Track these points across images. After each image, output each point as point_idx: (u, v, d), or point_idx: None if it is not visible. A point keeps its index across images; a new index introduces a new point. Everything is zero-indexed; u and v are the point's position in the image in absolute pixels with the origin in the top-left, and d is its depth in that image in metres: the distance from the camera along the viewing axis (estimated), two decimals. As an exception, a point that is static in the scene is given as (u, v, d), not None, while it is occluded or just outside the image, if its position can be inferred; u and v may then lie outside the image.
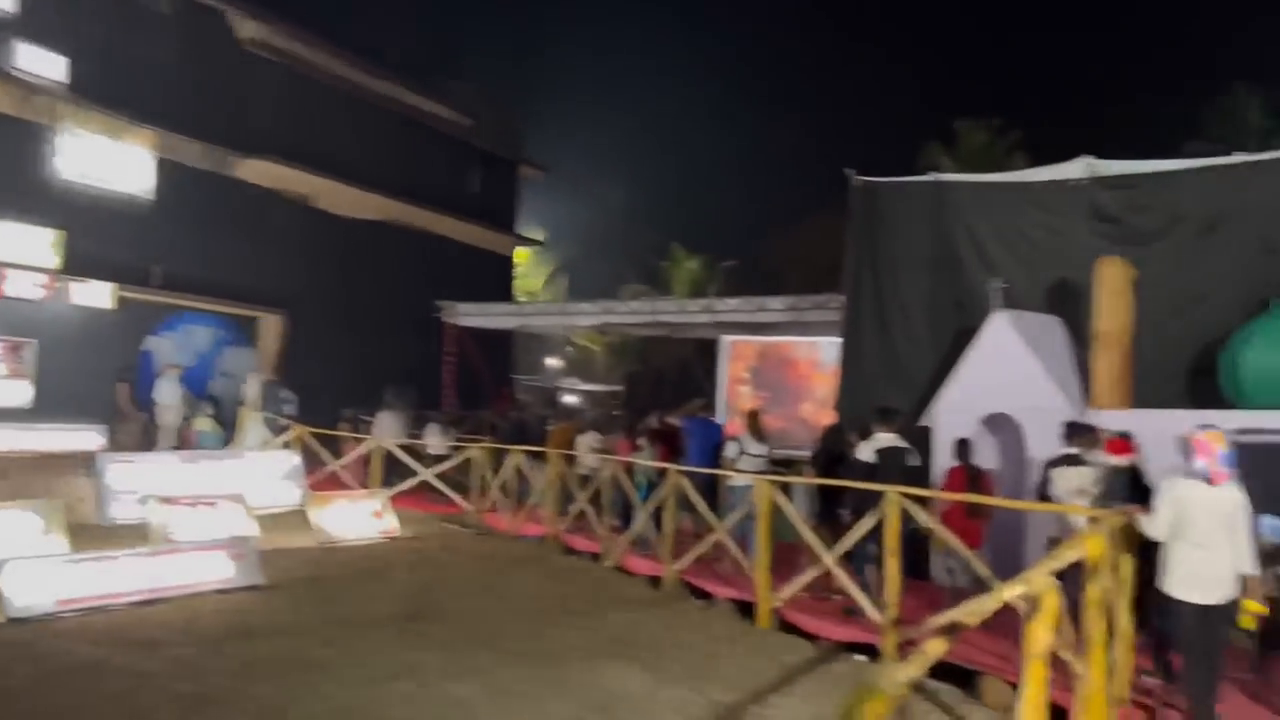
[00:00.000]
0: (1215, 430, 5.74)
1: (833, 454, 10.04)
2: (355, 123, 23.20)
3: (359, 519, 12.07)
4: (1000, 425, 10.50)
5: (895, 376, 12.44)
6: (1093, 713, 4.78)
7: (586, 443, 12.98)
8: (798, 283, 23.27)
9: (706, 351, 24.04)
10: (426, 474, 14.50)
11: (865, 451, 8.88)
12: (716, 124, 61.42)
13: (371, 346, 22.23)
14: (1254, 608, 5.27)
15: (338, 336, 21.69)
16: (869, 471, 8.56)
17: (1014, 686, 6.45)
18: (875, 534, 7.99)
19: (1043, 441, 9.84)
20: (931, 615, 6.87)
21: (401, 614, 8.37)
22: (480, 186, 28.13)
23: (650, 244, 39.31)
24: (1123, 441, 7.44)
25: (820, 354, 19.30)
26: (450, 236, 25.94)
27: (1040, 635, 3.18)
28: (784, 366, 21.12)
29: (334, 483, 14.59)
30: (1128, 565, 5.90)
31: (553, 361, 42.34)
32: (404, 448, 15.01)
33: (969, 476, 8.92)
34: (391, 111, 24.37)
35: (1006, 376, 10.15)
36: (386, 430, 15.72)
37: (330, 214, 22.70)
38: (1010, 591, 3.35)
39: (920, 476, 8.92)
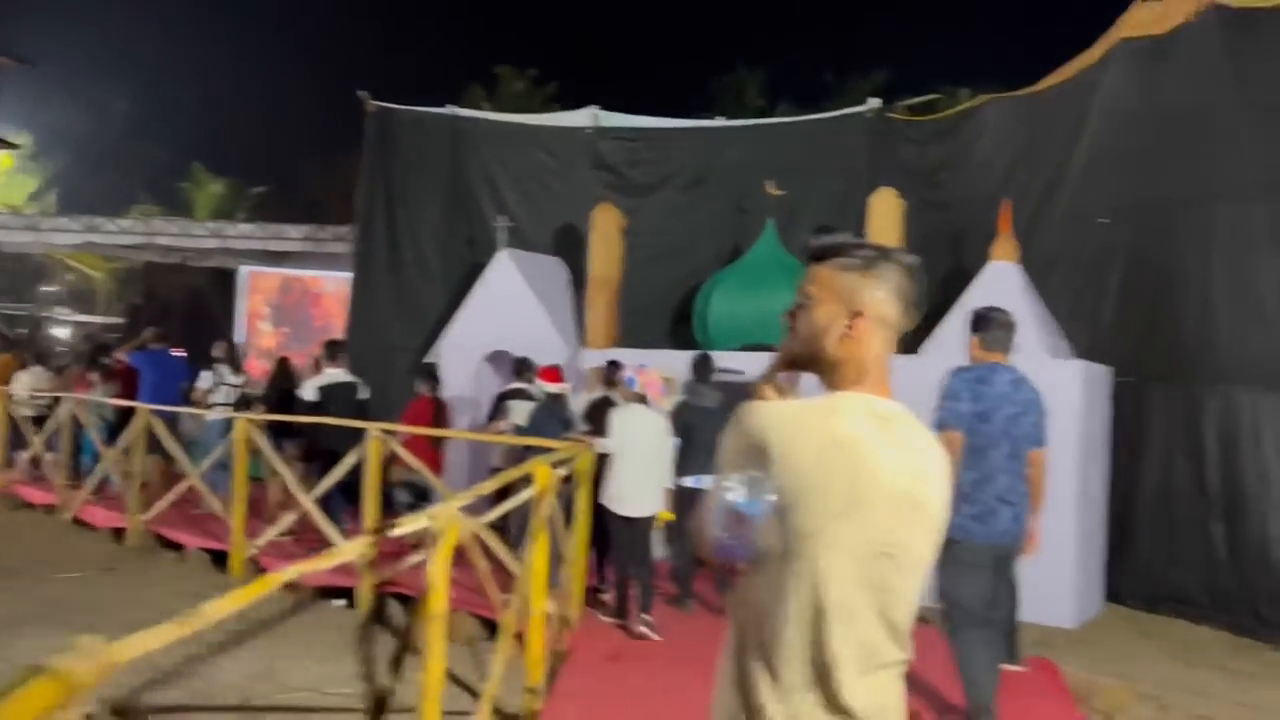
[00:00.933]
0: (652, 369, 6.61)
1: (284, 390, 9.60)
2: None
3: None
4: (505, 363, 10.66)
5: (407, 312, 12.19)
6: (533, 637, 4.85)
7: (27, 380, 11.16)
8: (339, 215, 22.16)
9: (225, 283, 22.14)
10: None
11: (309, 390, 8.61)
12: (253, 39, 56.64)
13: None
14: (666, 516, 6.17)
15: None
16: (314, 408, 8.34)
17: (481, 620, 6.54)
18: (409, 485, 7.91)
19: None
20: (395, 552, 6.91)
21: None
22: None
23: (164, 162, 35.33)
24: (554, 371, 7.80)
25: (346, 289, 18.55)
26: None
27: (438, 567, 3.02)
28: (307, 302, 20.05)
29: None
30: (585, 494, 6.15)
31: (50, 288, 36.82)
32: None
33: (435, 408, 9.00)
34: None
35: (509, 315, 10.30)
36: None
37: None
38: (415, 523, 3.17)
39: (368, 410, 8.77)
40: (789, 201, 11.56)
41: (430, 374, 9.25)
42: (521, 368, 8.37)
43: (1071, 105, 9.60)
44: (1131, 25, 9.10)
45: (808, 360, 1.86)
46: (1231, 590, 7.70)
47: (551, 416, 7.32)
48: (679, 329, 11.59)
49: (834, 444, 1.69)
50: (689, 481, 6.63)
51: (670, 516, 6.51)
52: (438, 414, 8.96)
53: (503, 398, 8.16)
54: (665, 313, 12.01)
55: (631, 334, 11.55)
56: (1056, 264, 9.43)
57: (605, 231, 10.05)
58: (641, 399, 6.65)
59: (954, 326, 8.41)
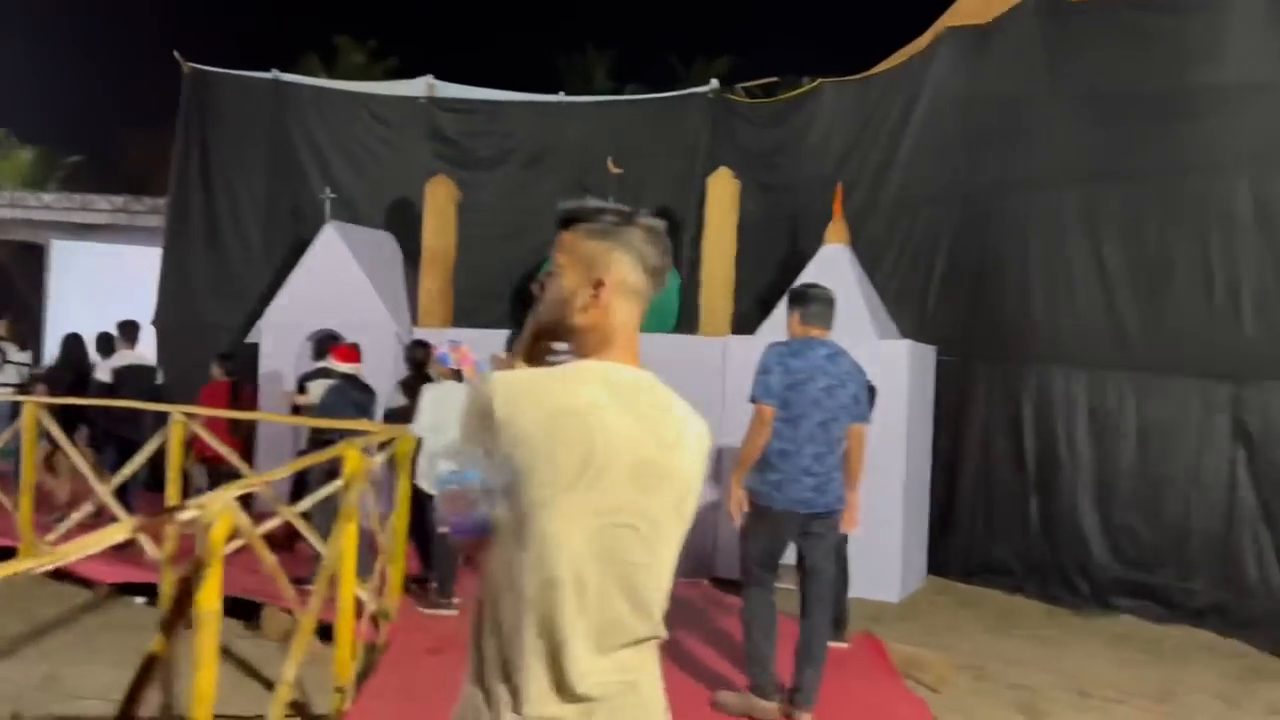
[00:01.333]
0: (463, 346, 6.56)
1: (79, 371, 8.93)
2: None
3: None
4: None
5: (226, 290, 11.46)
6: (341, 632, 4.53)
7: None
8: (162, 187, 20.76)
9: (34, 257, 20.44)
10: None
11: (103, 371, 8.11)
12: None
13: None
14: None
15: None
16: (107, 392, 7.85)
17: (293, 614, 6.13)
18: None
19: (371, 359, 9.70)
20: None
21: None
22: None
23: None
24: (348, 349, 7.50)
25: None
26: None
27: (209, 560, 2.70)
28: (123, 277, 18.71)
29: None
30: (405, 480, 5.85)
31: None
32: None
33: (232, 392, 8.58)
34: None
35: (335, 292, 9.79)
36: None
37: None
38: (186, 513, 2.83)
39: (164, 396, 8.23)
40: (630, 181, 11.44)
41: (224, 356, 8.76)
42: (323, 347, 7.92)
43: (902, 91, 9.81)
44: (958, 14, 9.36)
45: (555, 329, 1.81)
46: (1044, 561, 8.04)
47: (343, 398, 6.98)
48: (519, 310, 11.31)
49: (565, 412, 1.64)
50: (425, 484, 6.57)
51: None
52: (235, 398, 8.49)
53: (305, 379, 7.72)
54: (505, 293, 11.71)
55: (469, 314, 11.21)
56: (886, 247, 9.63)
57: (439, 205, 9.66)
58: (457, 375, 6.40)
59: (779, 312, 8.46)
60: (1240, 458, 6.93)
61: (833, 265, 8.45)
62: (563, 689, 1.61)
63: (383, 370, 9.54)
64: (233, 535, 3.14)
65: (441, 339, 9.38)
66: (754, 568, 4.63)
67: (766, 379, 4.47)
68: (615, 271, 1.76)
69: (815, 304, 4.69)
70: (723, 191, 8.75)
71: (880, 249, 9.57)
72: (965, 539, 8.70)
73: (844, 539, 5.86)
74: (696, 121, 11.54)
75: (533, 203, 11.73)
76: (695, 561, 8.21)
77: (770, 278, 10.45)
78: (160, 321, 11.61)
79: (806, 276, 8.54)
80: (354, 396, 7.08)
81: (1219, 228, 7.06)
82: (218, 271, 11.56)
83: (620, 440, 1.65)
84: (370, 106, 11.82)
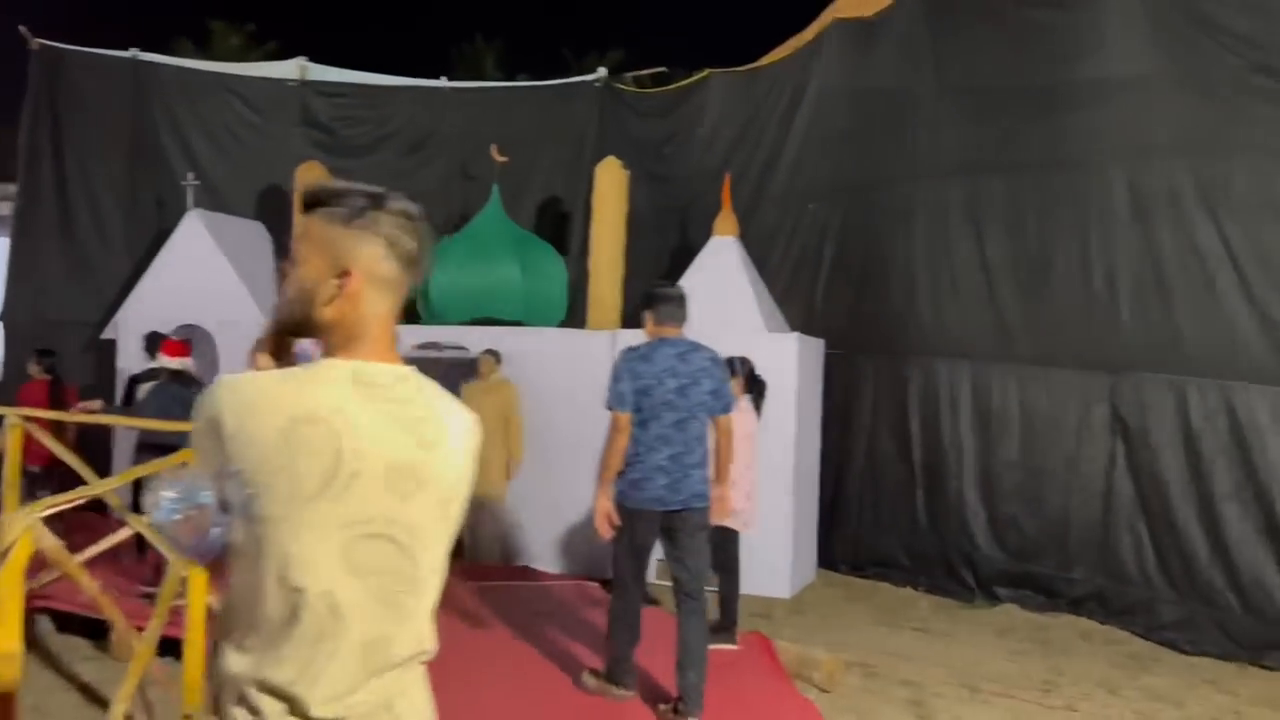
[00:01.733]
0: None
1: None
2: None
3: None
4: (201, 339, 9.55)
5: (82, 283, 10.72)
6: (190, 654, 4.12)
7: None
8: (9, 172, 19.41)
9: None
10: None
11: None
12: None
13: None
14: None
15: None
16: None
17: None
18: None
19: (239, 353, 9.17)
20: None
21: None
22: None
23: None
24: (178, 344, 7.08)
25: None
26: None
27: (10, 581, 2.33)
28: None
29: None
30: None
31: None
32: None
33: (51, 392, 8.01)
34: None
35: (200, 284, 9.20)
36: None
37: None
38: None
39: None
40: (517, 170, 11.13)
41: (42, 352, 8.17)
42: (153, 344, 7.31)
43: (789, 84, 9.75)
44: (844, 7, 9.34)
45: (300, 324, 1.64)
46: (931, 553, 8.07)
47: (169, 397, 6.46)
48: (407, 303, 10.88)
49: (305, 419, 1.48)
50: None
51: None
52: (54, 397, 7.87)
53: (136, 380, 7.14)
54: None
55: None
56: (775, 240, 9.56)
57: (311, 194, 9.13)
58: None
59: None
60: (1118, 449, 7.05)
61: (721, 257, 8.32)
62: (303, 714, 1.47)
63: (244, 366, 9.04)
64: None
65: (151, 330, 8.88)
66: (620, 567, 4.60)
67: (618, 387, 4.45)
68: (363, 260, 1.59)
69: (665, 304, 4.65)
70: (610, 181, 8.52)
71: (769, 242, 9.50)
72: (854, 532, 8.69)
73: (734, 539, 5.70)
74: (585, 111, 11.31)
75: (414, 192, 11.09)
76: (588, 562, 8.00)
77: (662, 269, 10.28)
78: (8, 317, 10.76)
79: (695, 268, 8.40)
80: (180, 394, 6.54)
81: (1097, 220, 7.16)
82: (73, 263, 10.79)
83: (371, 444, 1.50)
84: (238, 89, 11.21)
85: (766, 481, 7.38)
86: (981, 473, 7.82)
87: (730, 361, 5.65)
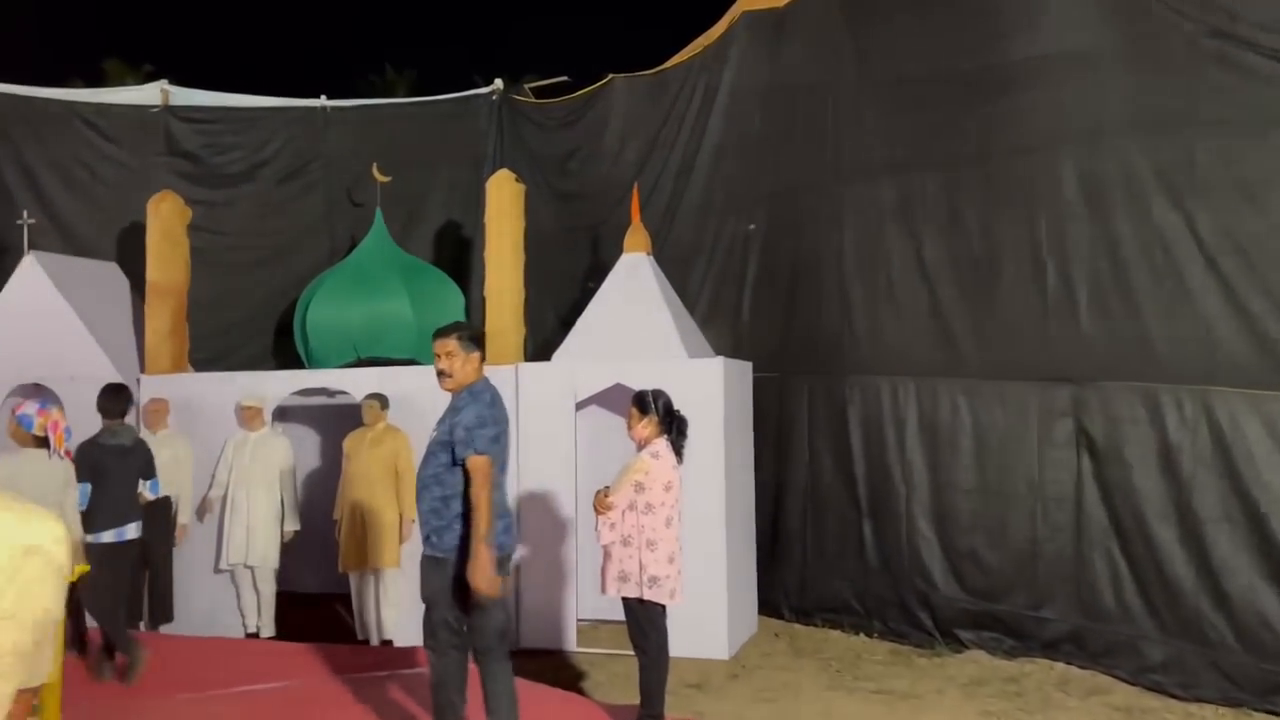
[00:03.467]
0: (54, 410, 5.23)
1: None
2: None
3: None
4: (43, 396, 8.32)
5: None
6: None
7: None
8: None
9: None
10: None
11: None
12: None
13: None
14: (81, 570, 4.84)
15: None
16: None
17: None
18: None
19: (88, 414, 7.98)
20: None
21: None
22: None
23: None
24: None
25: None
26: None
27: None
28: None
29: None
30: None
31: None
32: None
33: None
34: None
35: (42, 336, 8.02)
36: None
37: None
38: None
39: None
40: (410, 195, 10.21)
41: None
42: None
43: (698, 85, 8.96)
44: (753, -3, 8.55)
45: None
46: (883, 594, 7.22)
47: None
48: (285, 345, 9.80)
49: None
50: (108, 536, 5.74)
51: (85, 569, 5.06)
52: None
53: None
54: (267, 327, 10.19)
55: (223, 355, 9.65)
56: (694, 256, 8.73)
57: (166, 226, 8.02)
58: (42, 442, 5.01)
59: (592, 326, 7.38)
60: (1085, 468, 6.25)
61: (633, 275, 7.42)
62: None
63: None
64: None
65: (177, 386, 7.84)
66: (502, 631, 4.11)
67: (489, 431, 4.02)
68: None
69: (484, 347, 4.31)
70: (504, 195, 7.56)
71: (687, 258, 8.66)
72: (798, 574, 7.81)
73: (659, 615, 4.72)
74: (481, 126, 10.42)
75: (296, 222, 10.34)
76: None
77: (572, 295, 9.39)
78: None
79: (605, 289, 7.49)
80: None
81: (1047, 213, 6.39)
82: None
83: None
84: (91, 118, 10.06)
85: (695, 528, 6.45)
86: (935, 502, 6.99)
87: (641, 396, 4.73)
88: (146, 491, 6.36)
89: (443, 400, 7.38)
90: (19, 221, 8.39)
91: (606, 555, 4.71)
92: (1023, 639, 6.51)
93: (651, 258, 7.57)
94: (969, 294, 6.89)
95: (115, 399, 6.22)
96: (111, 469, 5.86)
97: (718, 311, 8.52)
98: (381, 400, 7.19)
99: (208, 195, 9.98)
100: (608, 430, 7.44)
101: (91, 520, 5.63)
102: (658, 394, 4.76)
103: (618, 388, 6.93)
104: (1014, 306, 6.65)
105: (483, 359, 4.22)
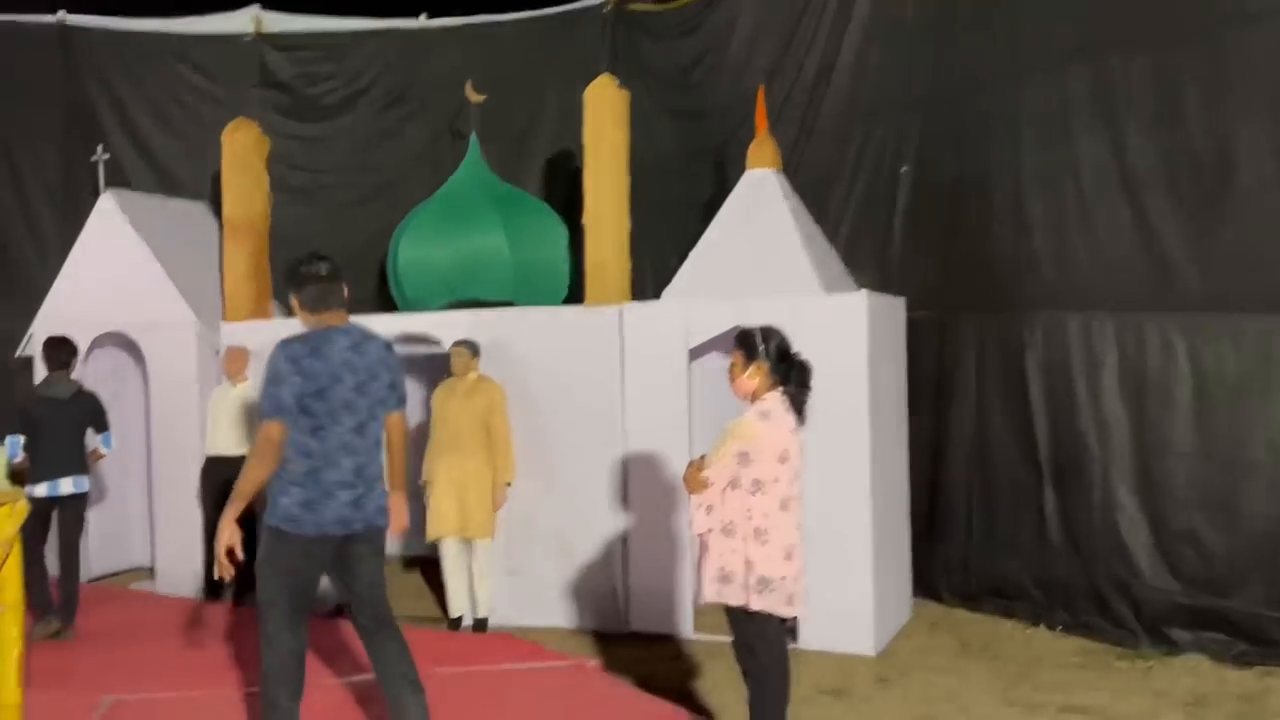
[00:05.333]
0: None
1: None
2: None
3: None
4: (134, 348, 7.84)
5: (8, 287, 9.18)
6: None
7: None
8: None
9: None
10: None
11: None
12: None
13: None
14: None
15: None
16: None
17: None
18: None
19: (168, 369, 7.43)
20: None
21: None
22: None
23: None
24: None
25: None
26: None
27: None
28: None
29: None
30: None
31: None
32: None
33: None
34: None
35: (119, 280, 7.48)
36: None
37: None
38: None
39: None
40: (516, 120, 9.25)
41: None
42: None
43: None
44: None
45: None
46: (1069, 581, 5.89)
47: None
48: (389, 289, 9.09)
49: None
50: (41, 490, 5.81)
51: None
52: None
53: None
54: (371, 270, 9.48)
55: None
56: (833, 175, 7.45)
57: (241, 157, 7.27)
58: None
59: (709, 257, 6.24)
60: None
61: (759, 196, 6.21)
62: None
63: (181, 382, 7.28)
64: None
65: (258, 333, 7.14)
66: (280, 610, 3.69)
67: (278, 391, 3.60)
68: None
69: (315, 285, 3.76)
70: (603, 104, 6.45)
71: (826, 178, 7.40)
72: (960, 551, 6.56)
73: (773, 630, 3.57)
74: (591, 41, 9.33)
75: (398, 156, 9.54)
76: (600, 614, 6.07)
77: (692, 227, 8.26)
78: None
79: (727, 213, 6.33)
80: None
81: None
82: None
83: None
84: (184, 50, 9.50)
85: (834, 501, 5.32)
86: (1139, 468, 5.59)
87: (746, 336, 3.58)
88: (101, 446, 6.27)
89: (542, 345, 6.45)
90: (94, 158, 7.83)
91: (703, 548, 3.61)
92: (1260, 643, 5.10)
93: (781, 174, 6.34)
94: (1188, 205, 5.40)
95: (56, 350, 6.15)
96: (47, 421, 5.85)
97: (862, 238, 7.26)
98: (472, 347, 6.27)
99: (305, 130, 9.34)
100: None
101: (30, 473, 5.78)
102: (769, 332, 3.59)
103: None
104: (1250, 219, 5.15)
105: (300, 307, 3.76)
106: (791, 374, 3.52)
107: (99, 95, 9.40)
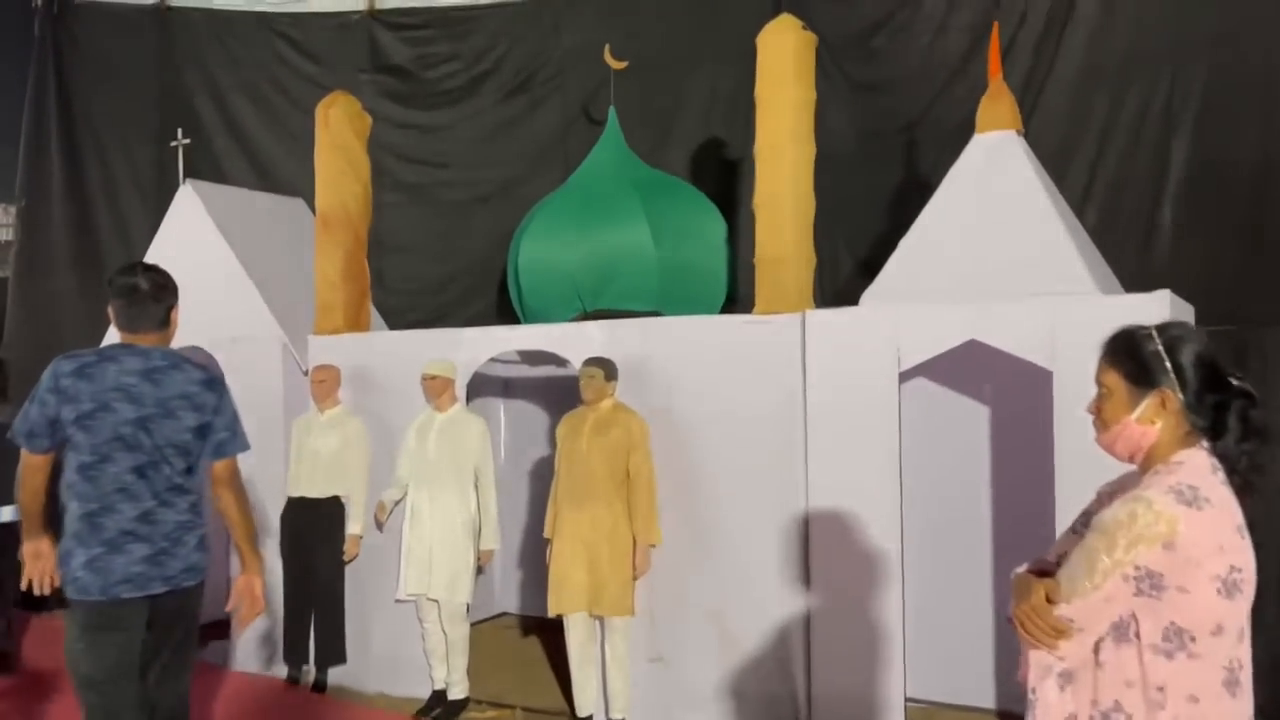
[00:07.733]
0: None
1: None
2: None
3: None
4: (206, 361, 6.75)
5: (100, 298, 8.30)
6: None
7: None
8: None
9: None
10: None
11: None
12: None
13: None
14: None
15: None
16: None
17: None
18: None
19: (252, 382, 6.26)
20: None
21: None
22: None
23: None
24: None
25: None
26: None
27: None
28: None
29: None
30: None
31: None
32: None
33: None
34: None
35: (199, 286, 6.32)
36: None
37: None
38: None
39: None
40: (661, 99, 7.95)
41: None
42: None
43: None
44: None
45: None
46: None
47: None
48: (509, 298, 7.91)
49: None
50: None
51: None
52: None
53: None
54: (492, 277, 8.30)
55: (445, 312, 7.97)
56: (1071, 145, 5.79)
57: (338, 138, 6.07)
58: None
59: (926, 252, 4.66)
60: None
61: (995, 165, 4.59)
62: None
63: (265, 398, 6.10)
64: None
65: (352, 349, 5.91)
66: (95, 691, 3.05)
67: (29, 409, 3.09)
68: None
69: (122, 300, 3.16)
70: (783, 53, 4.98)
71: (1062, 149, 5.75)
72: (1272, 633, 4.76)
73: None
74: (749, 8, 7.88)
75: (521, 148, 8.30)
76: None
77: (871, 224, 6.74)
78: (11, 344, 8.58)
79: (950, 189, 4.73)
80: None
81: None
82: (89, 268, 8.47)
83: None
84: (288, 31, 8.53)
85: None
86: None
87: (1133, 344, 1.96)
88: None
89: (697, 365, 5.00)
90: (173, 143, 6.78)
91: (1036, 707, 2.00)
92: None
93: (1021, 138, 4.72)
94: None
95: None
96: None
97: (1110, 228, 5.56)
98: (606, 368, 4.84)
99: (421, 119, 8.24)
100: (958, 417, 4.75)
101: None
102: (1176, 340, 1.95)
103: (973, 346, 4.21)
104: None
105: (113, 318, 3.21)
106: (1230, 417, 1.87)
107: (196, 80, 8.53)
